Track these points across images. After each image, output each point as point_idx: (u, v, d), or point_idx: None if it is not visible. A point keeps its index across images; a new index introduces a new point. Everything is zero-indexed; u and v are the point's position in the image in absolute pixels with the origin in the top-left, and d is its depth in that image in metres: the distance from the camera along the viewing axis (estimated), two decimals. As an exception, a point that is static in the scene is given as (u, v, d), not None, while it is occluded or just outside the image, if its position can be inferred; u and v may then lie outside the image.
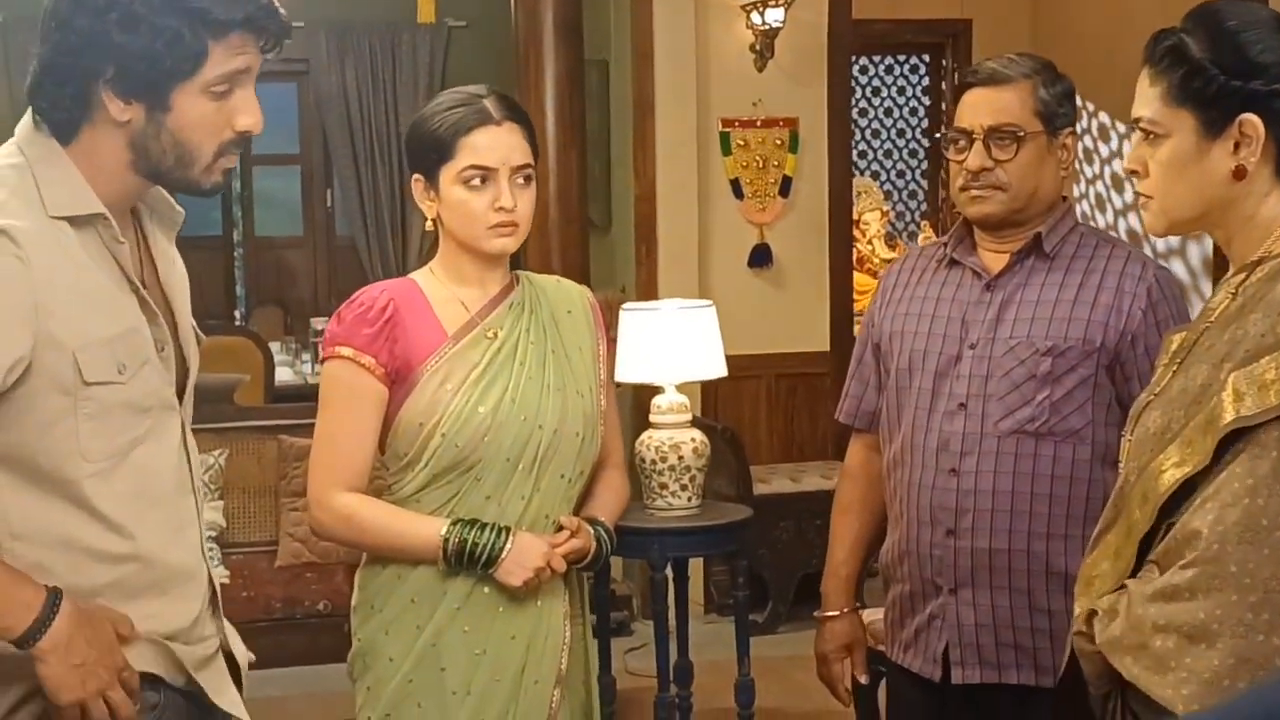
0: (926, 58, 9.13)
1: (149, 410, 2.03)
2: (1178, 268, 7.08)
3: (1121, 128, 7.83)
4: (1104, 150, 8.01)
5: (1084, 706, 1.99)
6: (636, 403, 5.28)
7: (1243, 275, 1.92)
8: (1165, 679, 1.81)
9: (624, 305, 4.64)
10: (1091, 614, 1.95)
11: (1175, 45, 1.93)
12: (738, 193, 6.44)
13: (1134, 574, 1.93)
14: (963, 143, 2.71)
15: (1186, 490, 1.85)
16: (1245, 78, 1.88)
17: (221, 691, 2.15)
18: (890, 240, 8.48)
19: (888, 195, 9.02)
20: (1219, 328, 1.90)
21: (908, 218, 9.29)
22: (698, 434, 4.42)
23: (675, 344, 4.44)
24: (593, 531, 2.68)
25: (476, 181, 2.58)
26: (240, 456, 5.81)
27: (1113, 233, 7.30)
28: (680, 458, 4.36)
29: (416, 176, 2.65)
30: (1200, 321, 1.97)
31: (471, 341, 2.63)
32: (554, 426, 2.62)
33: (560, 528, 2.65)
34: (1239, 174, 1.90)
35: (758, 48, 6.29)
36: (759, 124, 6.44)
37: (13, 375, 1.89)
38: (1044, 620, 2.66)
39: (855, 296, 6.87)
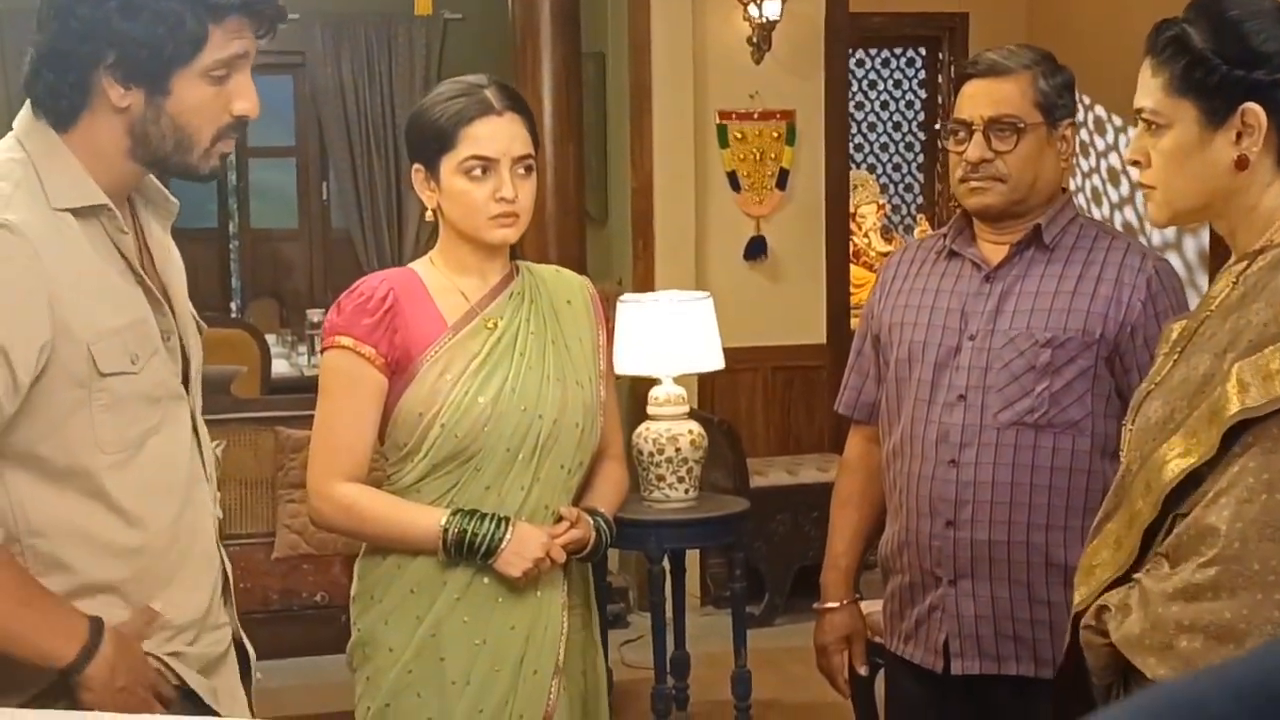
0: (923, 51, 9.13)
1: (160, 400, 2.04)
2: (1174, 261, 7.06)
3: (1118, 121, 7.83)
4: (1100, 143, 8.01)
5: (1083, 695, 1.99)
6: (633, 394, 5.28)
7: (1244, 264, 1.92)
8: None
9: (621, 297, 4.65)
10: (1102, 609, 1.94)
11: (1177, 35, 1.93)
12: (735, 185, 6.44)
13: (1136, 564, 1.93)
14: (962, 134, 2.71)
15: (1192, 481, 1.85)
16: (1247, 67, 1.88)
17: (234, 698, 2.16)
18: (886, 233, 8.47)
19: (884, 188, 9.01)
20: (1220, 317, 1.90)
21: (904, 211, 9.29)
22: (695, 426, 4.43)
23: (672, 336, 4.45)
24: (592, 522, 2.68)
25: (478, 172, 2.58)
26: (237, 448, 5.79)
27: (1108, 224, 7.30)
28: (677, 450, 4.37)
29: (417, 167, 2.64)
30: (1201, 310, 1.96)
31: (471, 332, 2.63)
32: (554, 417, 2.62)
33: (560, 518, 2.65)
34: (1241, 164, 1.90)
35: (755, 40, 6.29)
36: (756, 117, 6.43)
37: (41, 359, 1.89)
38: (1043, 611, 2.67)
39: (851, 289, 6.86)
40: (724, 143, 6.42)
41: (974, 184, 2.69)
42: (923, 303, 2.79)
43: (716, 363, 4.57)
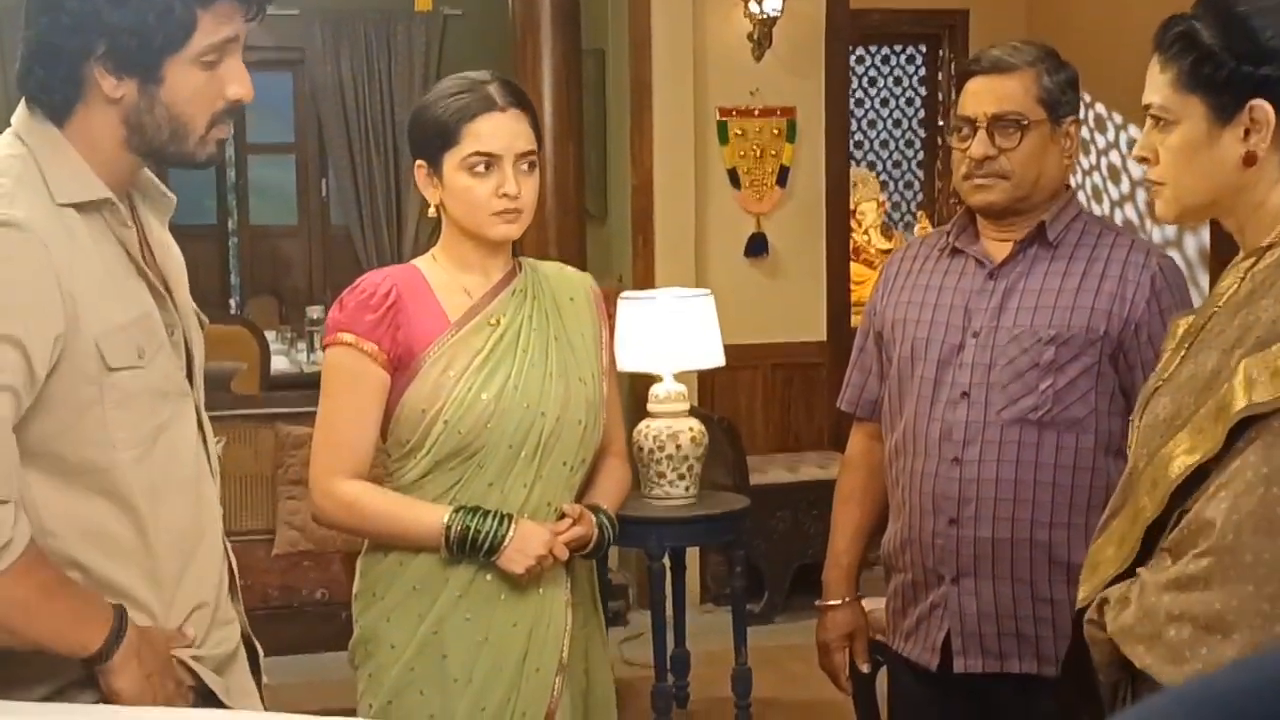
0: (923, 48, 9.12)
1: (168, 395, 2.04)
2: (1175, 259, 7.08)
3: (1118, 118, 7.82)
4: (1101, 140, 8.01)
5: (1087, 693, 1.99)
6: (634, 392, 5.28)
7: (1252, 260, 1.92)
8: (1180, 670, 1.80)
9: (621, 295, 4.64)
10: (1103, 602, 1.94)
11: (1186, 31, 1.92)
12: (735, 182, 6.43)
13: (1140, 560, 1.92)
14: (966, 131, 2.70)
15: (1198, 477, 1.84)
16: (1256, 63, 1.87)
17: (247, 694, 2.17)
18: (886, 230, 8.46)
19: (884, 185, 9.01)
20: (1228, 313, 1.89)
21: (904, 208, 9.29)
22: (695, 423, 4.43)
23: (673, 333, 4.45)
24: (595, 519, 2.67)
25: (481, 168, 2.57)
26: (237, 445, 5.79)
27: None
28: (678, 447, 4.36)
29: (420, 163, 2.64)
30: (1209, 306, 1.96)
31: (474, 328, 2.62)
32: (556, 414, 2.62)
33: (562, 515, 2.64)
34: (1249, 160, 1.89)
35: (755, 37, 6.28)
36: (756, 113, 6.43)
37: (56, 351, 1.89)
38: (1046, 609, 2.66)
39: (851, 286, 6.86)
40: (724, 140, 6.41)
41: (978, 181, 2.69)
42: (926, 300, 2.78)
43: (717, 360, 4.56)
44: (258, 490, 5.83)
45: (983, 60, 2.72)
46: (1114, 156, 7.93)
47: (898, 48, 9.15)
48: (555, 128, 5.73)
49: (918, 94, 9.23)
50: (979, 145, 2.67)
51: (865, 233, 8.23)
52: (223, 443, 6.53)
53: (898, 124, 9.26)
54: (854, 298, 6.75)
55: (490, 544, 2.55)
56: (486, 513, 2.56)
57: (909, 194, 9.34)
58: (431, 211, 2.67)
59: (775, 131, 6.46)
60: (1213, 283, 1.99)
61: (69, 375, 1.91)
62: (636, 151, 6.37)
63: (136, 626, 1.96)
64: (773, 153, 6.45)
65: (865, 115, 9.17)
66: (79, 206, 1.97)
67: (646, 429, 4.39)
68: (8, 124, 2.04)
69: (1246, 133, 1.89)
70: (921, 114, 9.23)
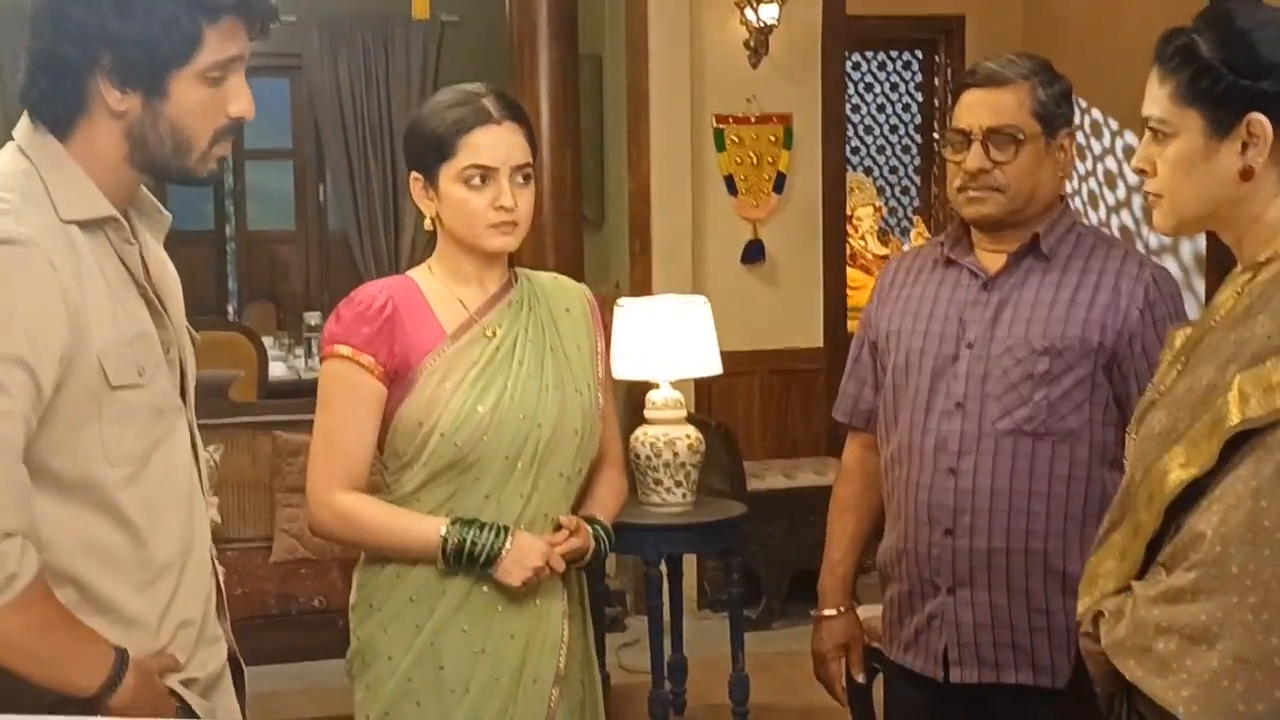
0: (919, 54, 9.13)
1: (164, 412, 2.04)
2: (1171, 266, 7.08)
3: (1114, 124, 7.83)
4: (1096, 147, 8.02)
5: (1093, 707, 1.99)
6: (630, 399, 5.29)
7: (1249, 274, 1.92)
8: (1166, 681, 1.81)
9: (618, 301, 4.65)
10: (1098, 615, 1.95)
11: (1186, 44, 1.93)
12: (731, 189, 6.44)
13: (1140, 575, 1.93)
14: (961, 143, 2.71)
15: (1195, 492, 1.85)
16: (1254, 77, 1.88)
17: (231, 716, 2.16)
18: (883, 236, 8.47)
19: (880, 191, 9.02)
20: (1225, 328, 1.90)
21: (900, 214, 9.30)
22: (692, 430, 4.43)
23: (670, 340, 4.45)
24: (591, 530, 2.68)
25: (477, 181, 2.58)
26: (234, 452, 5.79)
27: (1105, 229, 7.32)
28: (675, 454, 4.37)
29: (415, 175, 2.64)
30: (1206, 319, 1.96)
31: (470, 340, 2.62)
32: (553, 425, 2.62)
33: (559, 526, 2.64)
34: (1247, 174, 1.90)
35: (752, 44, 6.29)
36: (753, 120, 6.43)
37: (61, 368, 1.89)
38: (1042, 620, 2.67)
39: (848, 292, 6.86)
40: (721, 146, 6.42)
41: (972, 194, 2.69)
42: (920, 310, 2.79)
43: (714, 367, 4.57)
44: (255, 497, 5.83)
45: (978, 73, 2.73)
46: (1110, 162, 7.94)
47: (894, 54, 9.17)
48: (552, 134, 5.73)
49: (914, 100, 9.24)
50: (974, 158, 2.67)
51: (862, 238, 8.24)
52: (220, 450, 6.52)
53: (894, 130, 9.28)
54: (851, 303, 6.75)
55: (487, 556, 2.56)
56: (483, 525, 2.57)
57: (905, 200, 9.36)
58: (427, 224, 2.67)
59: (772, 138, 6.47)
60: (1209, 289, 2.00)
61: (72, 392, 1.91)
62: (633, 158, 6.38)
63: (139, 669, 1.96)
64: (769, 159, 6.46)
65: (862, 121, 9.18)
66: (83, 224, 1.97)
67: (643, 436, 4.39)
68: (9, 135, 2.05)
69: (1244, 146, 1.90)
70: (917, 120, 9.24)
